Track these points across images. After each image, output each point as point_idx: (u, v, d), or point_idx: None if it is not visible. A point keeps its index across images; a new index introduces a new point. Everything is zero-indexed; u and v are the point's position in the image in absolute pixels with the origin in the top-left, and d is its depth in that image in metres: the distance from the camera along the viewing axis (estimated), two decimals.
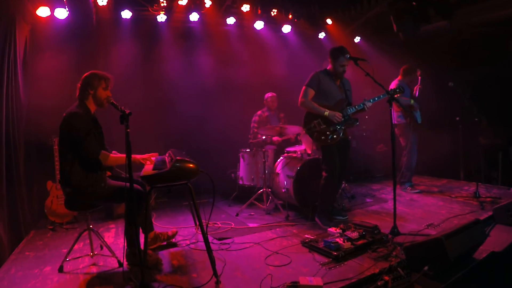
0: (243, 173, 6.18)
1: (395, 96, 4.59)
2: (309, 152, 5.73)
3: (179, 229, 4.80)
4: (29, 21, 5.47)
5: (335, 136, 4.69)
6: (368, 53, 8.05)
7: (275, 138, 6.57)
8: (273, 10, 7.08)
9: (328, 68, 4.96)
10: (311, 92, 4.80)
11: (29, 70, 5.47)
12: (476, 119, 5.67)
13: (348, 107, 4.78)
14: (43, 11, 5.35)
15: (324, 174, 4.83)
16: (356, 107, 4.76)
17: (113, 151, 3.94)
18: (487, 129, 6.77)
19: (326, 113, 4.65)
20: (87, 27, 6.06)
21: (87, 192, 3.49)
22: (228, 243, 4.27)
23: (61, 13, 5.49)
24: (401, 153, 6.66)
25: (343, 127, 4.75)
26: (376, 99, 4.83)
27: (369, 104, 4.76)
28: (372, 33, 8.18)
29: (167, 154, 3.91)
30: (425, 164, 7.68)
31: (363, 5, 7.05)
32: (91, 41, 6.18)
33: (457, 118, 6.17)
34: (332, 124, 4.69)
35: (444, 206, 5.39)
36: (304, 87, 4.84)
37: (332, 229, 4.15)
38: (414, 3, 6.32)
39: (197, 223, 4.27)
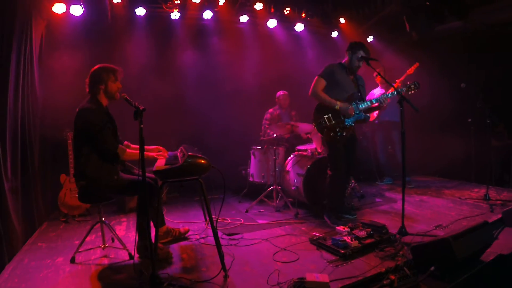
0: (254, 170, 6.23)
1: (411, 92, 4.59)
2: (320, 150, 5.75)
3: (190, 224, 4.88)
4: (45, 17, 5.58)
5: (344, 133, 4.68)
6: (381, 52, 8.02)
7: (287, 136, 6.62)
8: (286, 8, 7.11)
9: (343, 61, 4.88)
10: (323, 83, 4.71)
11: (45, 65, 5.57)
12: (488, 121, 5.63)
13: (360, 102, 4.74)
14: (58, 8, 5.44)
15: (329, 172, 4.84)
16: (369, 103, 4.73)
17: (125, 142, 4.01)
18: (500, 131, 6.72)
19: (337, 106, 4.58)
20: (102, 24, 6.15)
21: (101, 184, 3.56)
22: (237, 239, 4.32)
23: (77, 10, 5.56)
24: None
25: (353, 124, 4.74)
26: (390, 95, 4.82)
27: (385, 97, 4.70)
28: (385, 32, 8.13)
29: (179, 150, 3.97)
30: (437, 165, 7.66)
31: (377, 4, 7.05)
32: (105, 38, 6.26)
33: (469, 120, 6.13)
34: (342, 120, 4.66)
35: (453, 208, 5.37)
36: (316, 77, 4.76)
37: (340, 228, 4.18)
38: (428, 3, 6.28)
39: (207, 218, 4.33)
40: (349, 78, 4.85)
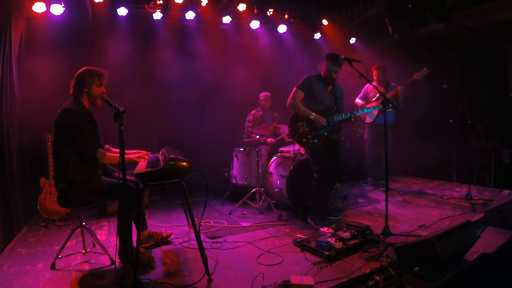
0: (237, 172, 6.19)
1: (388, 109, 4.56)
2: (302, 152, 5.75)
3: (172, 227, 4.82)
4: (25, 17, 5.44)
5: (316, 141, 4.80)
6: (363, 54, 8.06)
7: (269, 140, 6.61)
8: (269, 9, 7.08)
9: (321, 73, 5.01)
10: (301, 94, 4.88)
11: (24, 66, 5.44)
12: (469, 122, 5.71)
13: (335, 114, 4.86)
14: (39, 7, 5.31)
15: (315, 175, 4.87)
16: (343, 115, 4.84)
17: (106, 145, 3.94)
18: (481, 131, 6.81)
19: (312, 116, 4.73)
20: (83, 23, 6.01)
21: (81, 187, 3.48)
22: (221, 242, 4.29)
23: (57, 9, 5.44)
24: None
25: (325, 133, 4.82)
26: (366, 110, 5.01)
27: (357, 114, 4.85)
28: (368, 34, 8.20)
29: (160, 152, 3.91)
30: (418, 165, 7.74)
31: (359, 6, 7.07)
32: (86, 38, 6.15)
33: (451, 121, 6.21)
34: (315, 129, 4.79)
35: (436, 208, 5.43)
36: (295, 88, 4.92)
37: (324, 229, 4.17)
38: (410, 5, 6.33)
39: (190, 221, 4.28)
40: (326, 90, 4.98)
